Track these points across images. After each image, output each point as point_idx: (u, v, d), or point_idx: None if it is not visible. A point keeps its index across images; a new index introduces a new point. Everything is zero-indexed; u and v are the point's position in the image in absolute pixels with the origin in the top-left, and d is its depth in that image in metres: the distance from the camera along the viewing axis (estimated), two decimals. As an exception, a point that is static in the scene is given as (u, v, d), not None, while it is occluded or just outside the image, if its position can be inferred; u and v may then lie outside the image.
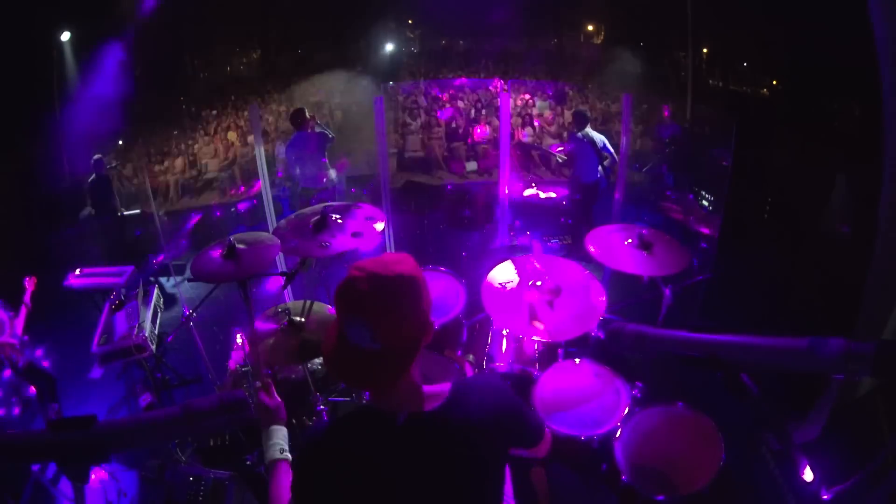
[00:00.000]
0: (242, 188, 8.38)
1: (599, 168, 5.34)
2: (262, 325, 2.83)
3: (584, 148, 5.34)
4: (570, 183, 5.63)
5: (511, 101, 9.05)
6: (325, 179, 5.54)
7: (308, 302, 2.91)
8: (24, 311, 3.61)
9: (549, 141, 8.88)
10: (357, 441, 1.11)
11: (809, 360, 0.97)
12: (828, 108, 7.42)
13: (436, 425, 1.11)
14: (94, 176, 6.13)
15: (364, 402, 1.20)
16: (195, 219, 6.80)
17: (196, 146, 9.25)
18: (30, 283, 3.79)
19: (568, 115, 9.67)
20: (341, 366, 1.10)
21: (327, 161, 5.49)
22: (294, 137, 5.34)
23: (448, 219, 6.39)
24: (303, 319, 2.80)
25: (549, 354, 2.78)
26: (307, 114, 5.27)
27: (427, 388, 1.15)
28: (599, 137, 5.37)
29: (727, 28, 9.14)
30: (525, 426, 1.29)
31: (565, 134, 9.05)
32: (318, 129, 5.32)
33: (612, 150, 5.42)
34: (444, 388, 1.16)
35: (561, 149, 6.00)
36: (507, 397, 1.23)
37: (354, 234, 2.80)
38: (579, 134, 5.40)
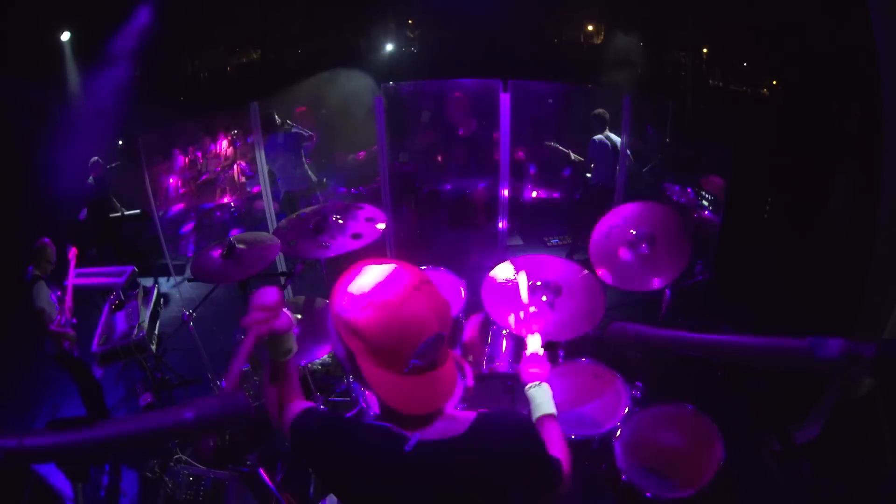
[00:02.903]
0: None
1: (616, 169, 5.27)
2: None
3: (604, 151, 5.23)
4: (590, 187, 5.53)
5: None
6: (308, 182, 5.48)
7: (302, 298, 2.92)
8: (70, 289, 3.52)
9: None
10: (356, 455, 1.05)
11: (809, 361, 0.97)
12: (828, 108, 7.42)
13: (447, 456, 1.03)
14: (91, 178, 6.13)
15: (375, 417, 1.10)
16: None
17: (196, 146, 9.25)
18: (72, 255, 3.66)
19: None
20: (412, 396, 1.01)
21: (306, 164, 5.46)
22: (267, 141, 5.21)
23: (448, 218, 6.40)
24: (299, 316, 2.80)
25: (549, 354, 2.77)
26: (276, 117, 5.27)
27: (448, 411, 1.08)
28: (617, 140, 5.26)
29: (727, 27, 9.15)
30: (544, 471, 1.18)
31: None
32: (293, 131, 5.32)
33: (629, 152, 5.32)
34: (467, 415, 1.08)
35: (574, 157, 5.90)
36: (532, 441, 1.13)
37: (354, 236, 2.81)
38: (600, 137, 5.26)
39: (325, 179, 6.01)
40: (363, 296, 1.00)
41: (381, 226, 2.89)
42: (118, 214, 6.32)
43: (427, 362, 1.00)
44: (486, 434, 1.06)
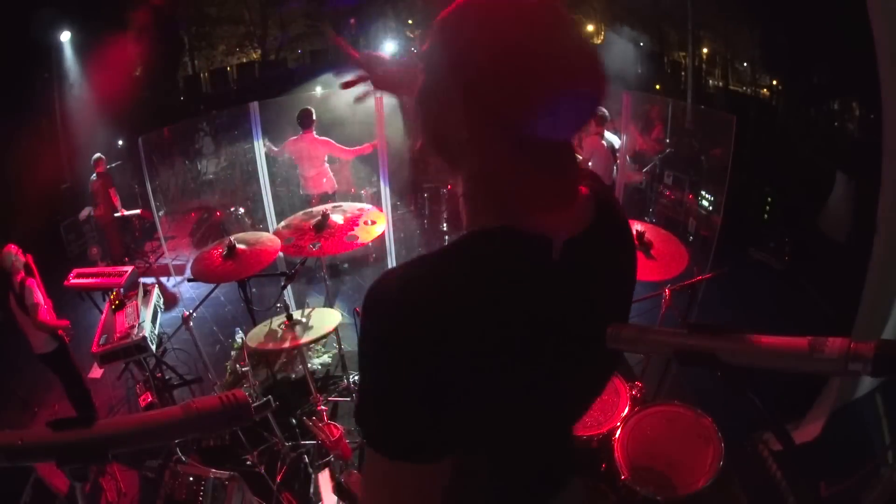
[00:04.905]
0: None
1: (614, 169, 5.24)
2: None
3: (602, 150, 5.17)
4: None
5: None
6: (331, 190, 5.28)
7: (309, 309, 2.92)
8: (36, 278, 3.54)
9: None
10: (495, 282, 0.66)
11: (809, 360, 0.97)
12: (827, 109, 7.42)
13: (592, 251, 0.75)
14: (94, 175, 6.13)
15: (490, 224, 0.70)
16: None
17: (196, 146, 9.24)
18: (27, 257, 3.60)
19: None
20: (533, 182, 0.68)
21: (328, 169, 5.25)
22: (299, 137, 5.12)
23: (449, 218, 6.40)
24: (304, 319, 2.81)
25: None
26: (314, 116, 5.07)
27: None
28: (616, 139, 5.22)
29: (727, 28, 9.14)
30: None
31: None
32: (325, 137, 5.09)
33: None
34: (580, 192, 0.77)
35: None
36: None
37: (349, 237, 2.83)
38: (596, 136, 5.19)
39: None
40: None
41: (381, 226, 2.90)
42: (119, 214, 6.32)
43: (560, 124, 0.65)
44: (610, 205, 0.82)
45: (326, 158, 5.25)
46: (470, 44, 0.64)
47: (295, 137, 5.12)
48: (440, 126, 0.71)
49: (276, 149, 5.04)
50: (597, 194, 0.79)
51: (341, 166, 5.73)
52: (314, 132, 5.10)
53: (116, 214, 6.28)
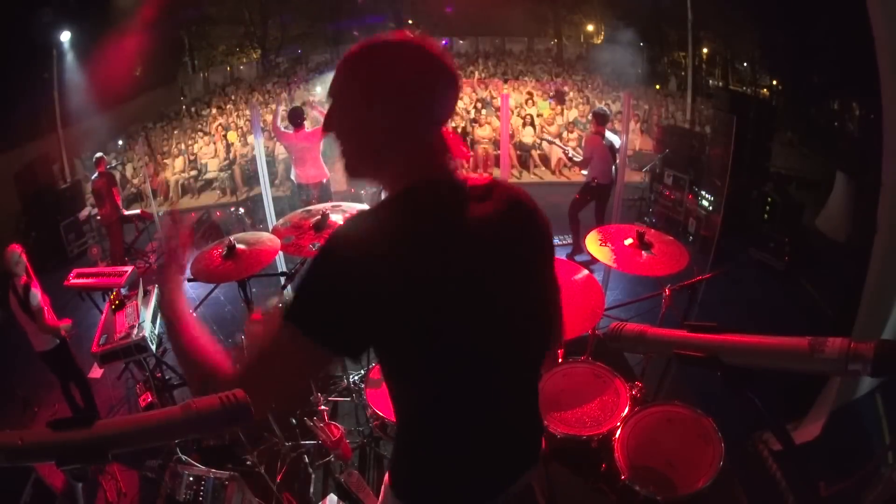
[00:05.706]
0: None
1: (613, 169, 5.24)
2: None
3: (603, 150, 5.16)
4: (585, 186, 5.48)
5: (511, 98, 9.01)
6: (325, 179, 5.56)
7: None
8: (33, 278, 3.51)
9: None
10: (429, 236, 0.91)
11: (809, 360, 0.97)
12: (828, 108, 7.42)
13: (497, 223, 0.99)
14: (96, 174, 6.12)
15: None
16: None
17: (196, 146, 9.25)
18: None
19: (567, 114, 9.68)
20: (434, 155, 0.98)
21: (321, 160, 5.53)
22: (293, 133, 5.42)
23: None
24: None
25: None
26: (305, 112, 5.41)
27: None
28: (616, 139, 5.24)
29: (727, 28, 9.14)
30: None
31: (565, 133, 9.05)
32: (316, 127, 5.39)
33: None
34: (482, 179, 1.04)
35: (572, 153, 5.88)
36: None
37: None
38: (596, 134, 5.18)
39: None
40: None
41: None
42: (119, 214, 6.31)
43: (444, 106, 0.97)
44: (519, 203, 1.07)
45: (322, 149, 5.50)
46: (376, 71, 0.92)
47: (289, 132, 5.40)
48: (361, 135, 0.95)
49: (278, 124, 5.43)
50: (509, 192, 1.05)
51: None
52: (306, 127, 5.37)
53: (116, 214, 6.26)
